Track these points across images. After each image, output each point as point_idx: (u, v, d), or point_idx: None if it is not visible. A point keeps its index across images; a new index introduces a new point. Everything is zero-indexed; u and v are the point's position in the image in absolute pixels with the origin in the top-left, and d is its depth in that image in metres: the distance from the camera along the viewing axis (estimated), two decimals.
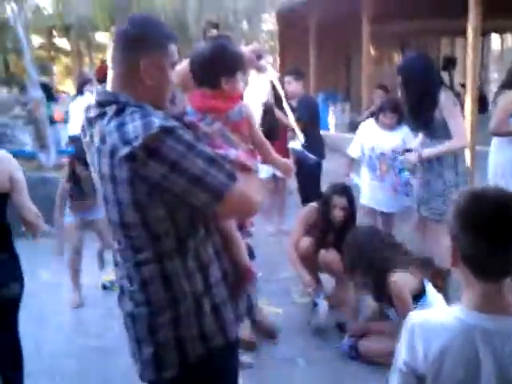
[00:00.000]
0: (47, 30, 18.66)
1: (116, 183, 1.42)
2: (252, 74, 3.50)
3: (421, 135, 3.72)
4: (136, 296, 1.54)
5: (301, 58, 11.40)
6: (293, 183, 5.81)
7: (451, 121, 3.43)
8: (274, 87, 4.95)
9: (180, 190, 1.40)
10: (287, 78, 5.45)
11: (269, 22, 17.63)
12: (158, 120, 1.38)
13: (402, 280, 3.07)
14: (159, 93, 1.56)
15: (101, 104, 1.49)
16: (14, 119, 7.65)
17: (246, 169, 1.55)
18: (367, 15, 9.41)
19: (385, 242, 3.31)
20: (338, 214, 3.75)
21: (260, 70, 2.92)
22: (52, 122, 8.24)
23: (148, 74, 1.49)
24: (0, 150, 2.65)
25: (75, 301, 4.22)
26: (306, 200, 4.99)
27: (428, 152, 3.55)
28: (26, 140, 7.47)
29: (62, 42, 20.29)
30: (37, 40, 19.60)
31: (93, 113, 1.51)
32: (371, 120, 4.58)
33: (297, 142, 5.37)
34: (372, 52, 10.51)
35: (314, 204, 4.03)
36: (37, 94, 7.10)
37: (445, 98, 3.44)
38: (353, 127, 5.49)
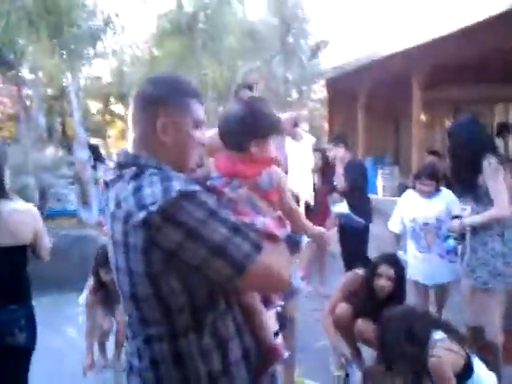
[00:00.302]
0: (104, 96, 19.66)
1: (129, 251, 1.27)
2: (289, 141, 3.34)
3: (469, 202, 3.52)
4: (145, 374, 1.36)
5: (349, 124, 11.33)
6: (336, 246, 5.49)
7: (491, 188, 3.27)
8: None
9: (197, 261, 1.22)
10: (328, 146, 5.50)
11: (318, 91, 17.86)
12: (177, 184, 1.22)
13: (441, 357, 2.74)
14: (181, 154, 1.40)
15: (120, 166, 1.36)
16: (59, 178, 7.84)
17: (274, 239, 1.34)
18: (418, 81, 9.29)
19: (421, 321, 2.95)
20: (382, 283, 3.45)
21: (295, 137, 2.75)
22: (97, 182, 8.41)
23: (166, 133, 1.36)
24: (25, 203, 2.74)
25: (101, 364, 4.17)
26: (350, 265, 4.66)
27: (469, 220, 3.40)
28: (71, 198, 7.61)
29: (118, 108, 21.22)
30: (94, 106, 20.66)
31: (110, 175, 1.37)
32: (410, 191, 4.27)
33: (343, 205, 5.13)
34: (422, 117, 10.31)
35: (359, 270, 3.75)
36: (83, 154, 7.27)
37: (486, 164, 3.28)
38: (401, 191, 5.27)
